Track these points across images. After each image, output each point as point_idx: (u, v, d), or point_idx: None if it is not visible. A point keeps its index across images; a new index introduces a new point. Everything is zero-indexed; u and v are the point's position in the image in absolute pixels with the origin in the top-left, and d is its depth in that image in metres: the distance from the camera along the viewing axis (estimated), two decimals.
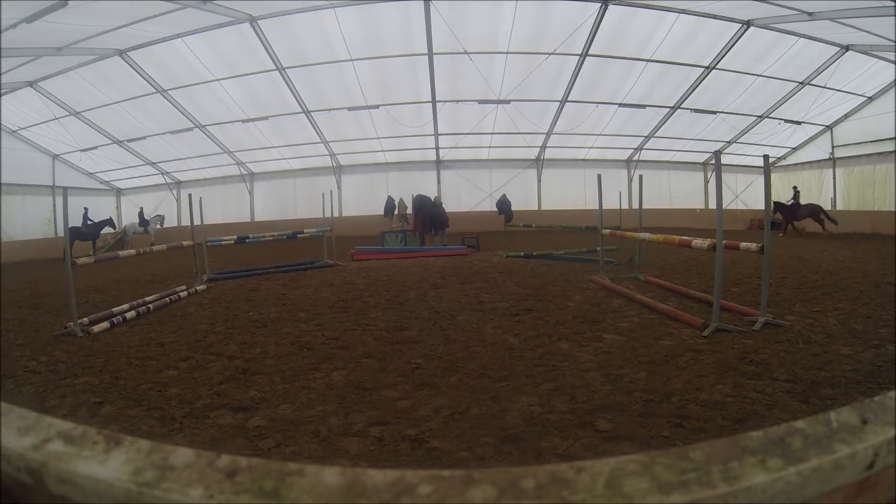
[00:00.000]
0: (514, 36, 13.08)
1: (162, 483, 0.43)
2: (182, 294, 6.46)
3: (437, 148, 19.39)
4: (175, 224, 20.30)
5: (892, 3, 9.33)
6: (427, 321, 4.64)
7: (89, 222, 16.96)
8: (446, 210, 13.04)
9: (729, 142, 18.90)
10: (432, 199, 13.38)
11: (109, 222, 17.24)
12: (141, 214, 19.10)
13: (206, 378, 3.24)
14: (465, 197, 20.29)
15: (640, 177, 6.94)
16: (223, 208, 20.90)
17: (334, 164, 20.38)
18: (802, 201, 14.70)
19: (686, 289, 5.64)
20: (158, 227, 18.84)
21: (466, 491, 0.40)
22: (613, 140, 19.02)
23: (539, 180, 20.83)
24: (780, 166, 19.59)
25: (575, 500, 0.40)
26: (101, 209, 19.19)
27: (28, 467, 0.47)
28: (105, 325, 4.81)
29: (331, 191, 13.10)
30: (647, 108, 16.71)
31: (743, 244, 4.33)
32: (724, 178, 4.76)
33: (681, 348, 3.53)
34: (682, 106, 16.56)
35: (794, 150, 19.12)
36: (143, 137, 17.60)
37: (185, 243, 7.60)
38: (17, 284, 8.77)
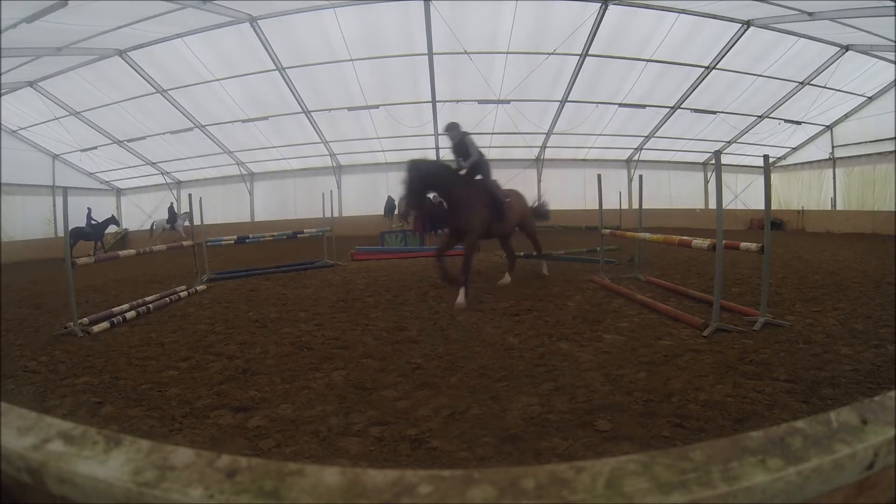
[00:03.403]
0: (514, 36, 13.07)
1: (162, 483, 0.43)
2: (182, 294, 6.46)
3: (437, 148, 19.35)
4: None
5: (892, 3, 9.33)
6: (427, 321, 4.64)
7: (93, 222, 16.97)
8: None
9: (729, 142, 18.89)
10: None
11: (113, 220, 17.23)
12: (171, 210, 18.85)
13: (206, 378, 3.24)
14: None
15: (640, 177, 6.93)
16: (223, 208, 20.89)
17: (334, 164, 20.38)
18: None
19: (686, 289, 5.64)
20: (186, 224, 18.76)
21: (466, 491, 0.40)
22: (613, 140, 19.01)
23: (539, 180, 20.82)
24: (780, 166, 19.57)
25: (575, 500, 0.40)
26: (101, 209, 19.20)
27: (28, 467, 0.47)
28: (105, 325, 4.81)
29: (331, 191, 13.09)
30: (647, 108, 16.70)
31: (743, 244, 4.32)
32: (724, 178, 4.75)
33: (681, 348, 3.53)
34: (682, 106, 16.55)
35: (794, 150, 19.11)
36: (143, 137, 17.61)
37: (184, 243, 7.61)
38: (17, 284, 8.77)
